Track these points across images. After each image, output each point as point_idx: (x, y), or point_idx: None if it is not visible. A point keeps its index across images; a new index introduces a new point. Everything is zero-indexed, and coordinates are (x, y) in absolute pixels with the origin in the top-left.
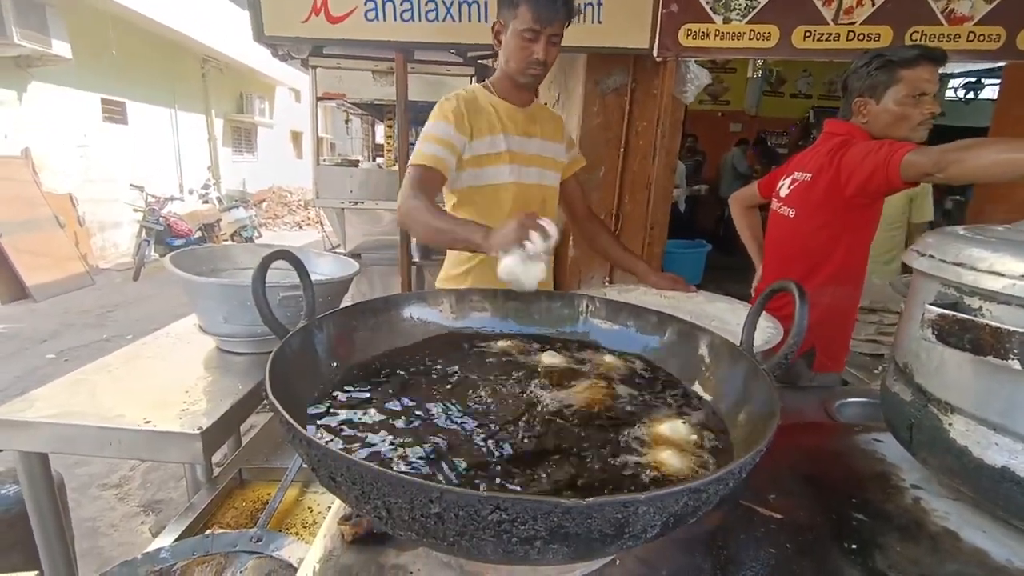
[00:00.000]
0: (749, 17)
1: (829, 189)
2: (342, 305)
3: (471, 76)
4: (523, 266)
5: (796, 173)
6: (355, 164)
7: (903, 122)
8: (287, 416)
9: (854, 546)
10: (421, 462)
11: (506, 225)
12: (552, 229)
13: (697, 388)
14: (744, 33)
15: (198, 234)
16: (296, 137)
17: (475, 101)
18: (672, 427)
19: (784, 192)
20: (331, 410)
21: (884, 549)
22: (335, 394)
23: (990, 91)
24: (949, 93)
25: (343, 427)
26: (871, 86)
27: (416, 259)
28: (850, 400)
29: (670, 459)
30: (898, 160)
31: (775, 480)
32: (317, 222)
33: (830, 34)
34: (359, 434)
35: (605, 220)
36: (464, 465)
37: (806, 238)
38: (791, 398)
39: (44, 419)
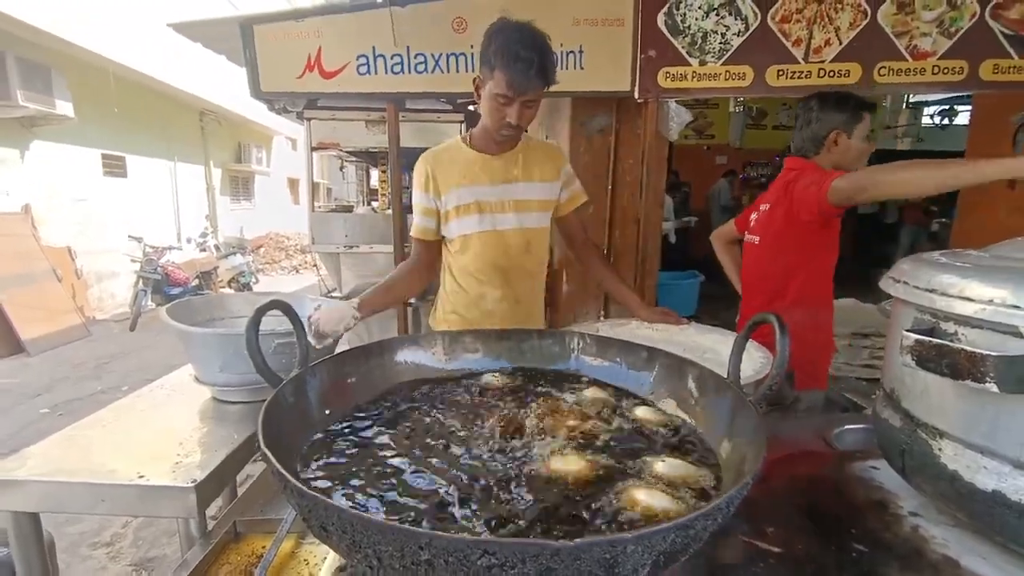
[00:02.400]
0: (724, 59)
1: (786, 217)
2: (339, 349)
3: (461, 122)
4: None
5: (762, 205)
6: (349, 209)
7: (863, 157)
8: (279, 466)
9: None
10: (411, 509)
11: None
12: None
13: (688, 421)
14: (720, 74)
15: (196, 282)
16: (293, 184)
17: (444, 159)
18: (663, 463)
19: (752, 223)
20: (324, 457)
21: None
22: (327, 441)
23: (964, 117)
24: (926, 120)
25: (336, 474)
26: (843, 122)
27: (413, 301)
28: (847, 427)
29: (655, 496)
30: (826, 188)
31: (773, 512)
32: (314, 266)
33: (802, 72)
34: (351, 482)
35: None
36: (458, 512)
37: (769, 263)
38: (788, 427)
39: (35, 477)
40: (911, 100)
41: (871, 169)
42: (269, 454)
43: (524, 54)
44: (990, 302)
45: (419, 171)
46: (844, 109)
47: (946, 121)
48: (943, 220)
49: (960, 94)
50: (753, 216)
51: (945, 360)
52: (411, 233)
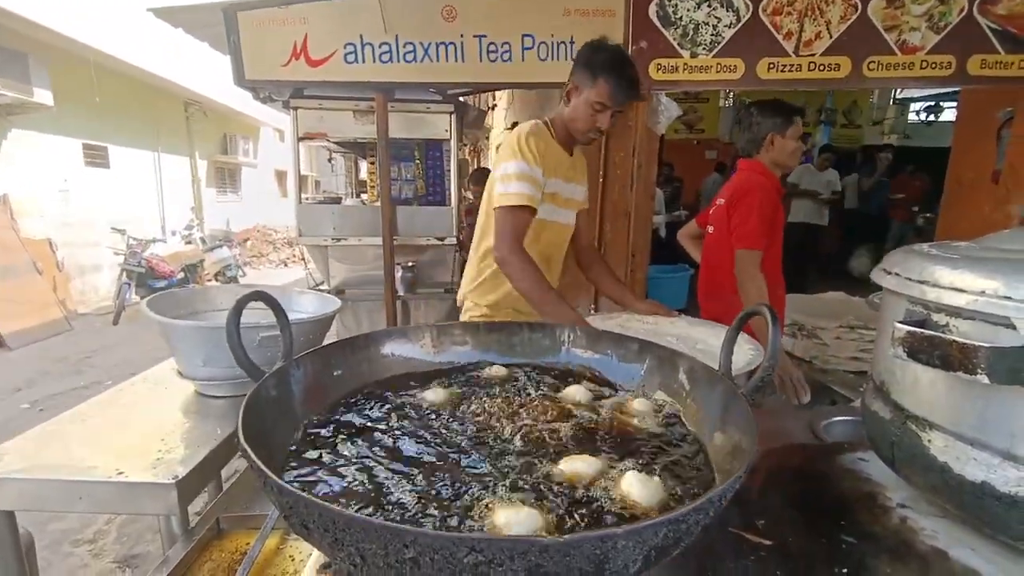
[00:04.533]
0: (715, 51)
1: (731, 221)
2: (326, 342)
3: (450, 113)
4: None
5: (719, 200)
6: (337, 201)
7: (796, 154)
8: (258, 461)
9: (845, 570)
10: (395, 506)
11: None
12: None
13: (679, 415)
14: (711, 66)
15: (181, 275)
16: (281, 176)
17: (544, 142)
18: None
19: (710, 215)
20: (306, 454)
21: (874, 572)
22: (310, 437)
23: (949, 113)
24: (912, 116)
25: (317, 471)
26: (775, 126)
27: (401, 293)
28: (836, 419)
29: (644, 489)
30: (737, 246)
31: (763, 505)
32: (302, 259)
33: (792, 65)
34: (333, 478)
35: None
36: (440, 511)
37: (719, 252)
38: (778, 420)
39: (10, 475)
40: (898, 96)
41: (752, 275)
42: (248, 449)
43: (629, 73)
44: (982, 293)
45: (532, 145)
46: (778, 114)
47: (932, 117)
48: (928, 215)
49: (947, 90)
50: (712, 209)
51: (936, 352)
52: (520, 201)
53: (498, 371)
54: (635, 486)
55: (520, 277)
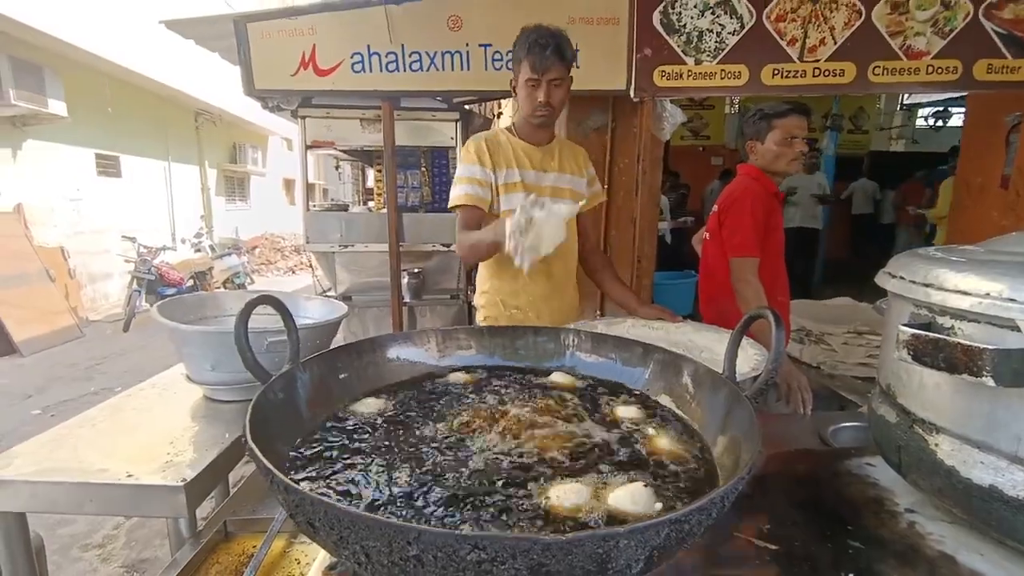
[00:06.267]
0: (719, 58)
1: (721, 232)
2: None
3: (456, 121)
4: (533, 232)
5: (714, 207)
6: (344, 208)
7: (780, 158)
8: (264, 461)
9: (851, 575)
10: (401, 505)
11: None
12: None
13: (682, 415)
14: (715, 73)
15: (190, 282)
16: (288, 184)
17: (496, 141)
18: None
19: (708, 221)
20: (312, 455)
21: None
22: (317, 438)
23: (957, 119)
24: (920, 121)
25: (323, 472)
26: (755, 132)
27: (407, 300)
28: (843, 425)
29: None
30: (730, 255)
31: (770, 509)
32: (309, 266)
33: (797, 71)
34: (339, 478)
35: None
36: (443, 510)
37: (714, 259)
38: (785, 425)
39: (22, 477)
40: (905, 101)
41: (748, 282)
42: (255, 449)
43: (542, 40)
44: (986, 296)
45: (474, 147)
46: (756, 123)
47: (940, 123)
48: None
49: (954, 95)
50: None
51: (942, 354)
52: (461, 201)
53: (461, 376)
54: (625, 501)
55: (466, 253)
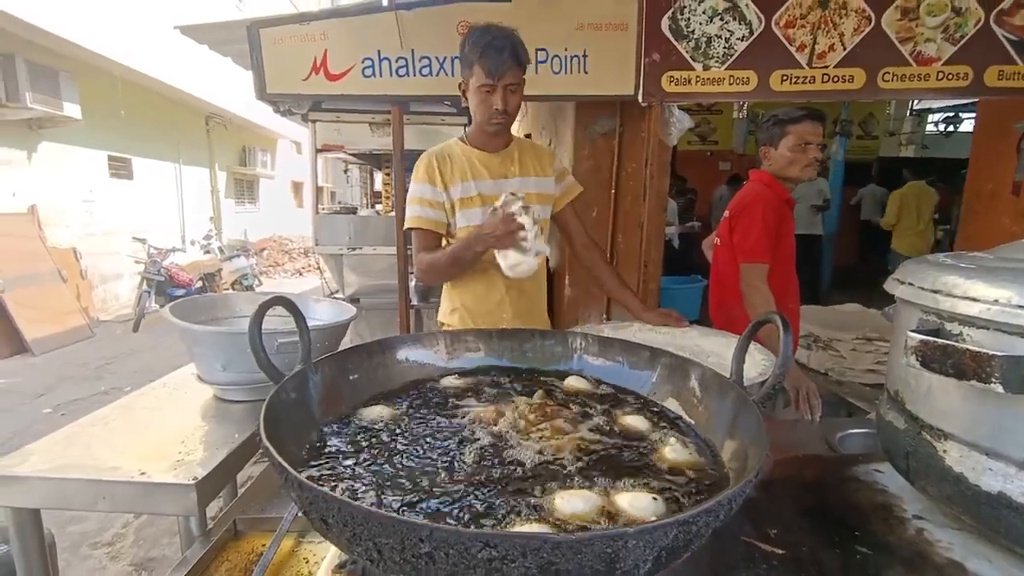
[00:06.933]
0: (728, 64)
1: (732, 237)
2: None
3: (465, 125)
4: (523, 257)
5: (725, 212)
6: (353, 211)
7: (793, 164)
8: (279, 458)
9: None
10: (411, 504)
11: (489, 224)
12: (527, 210)
13: (688, 419)
14: (724, 79)
15: (199, 284)
16: (297, 187)
17: (447, 155)
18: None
19: (719, 227)
20: (325, 453)
21: None
22: (329, 437)
23: (968, 124)
24: (930, 127)
25: (337, 470)
26: (769, 137)
27: (415, 302)
28: (851, 431)
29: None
30: (740, 261)
31: (777, 515)
32: (317, 268)
33: (806, 77)
34: (352, 476)
35: None
36: (453, 510)
37: (725, 265)
38: (793, 431)
39: (36, 474)
40: (915, 107)
41: (757, 288)
42: (270, 447)
43: (496, 43)
44: (995, 302)
45: (424, 166)
46: (770, 128)
47: (950, 128)
48: (947, 227)
49: (965, 101)
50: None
51: (950, 361)
52: (412, 224)
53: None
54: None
55: (430, 272)
